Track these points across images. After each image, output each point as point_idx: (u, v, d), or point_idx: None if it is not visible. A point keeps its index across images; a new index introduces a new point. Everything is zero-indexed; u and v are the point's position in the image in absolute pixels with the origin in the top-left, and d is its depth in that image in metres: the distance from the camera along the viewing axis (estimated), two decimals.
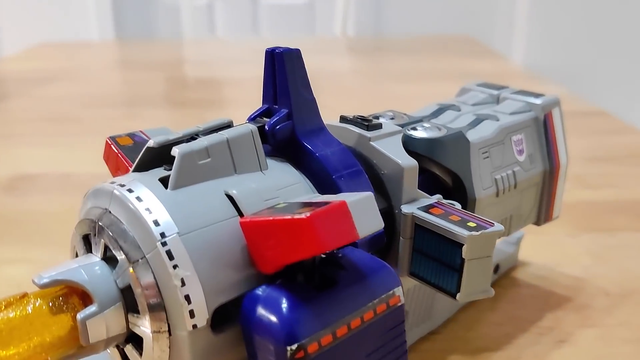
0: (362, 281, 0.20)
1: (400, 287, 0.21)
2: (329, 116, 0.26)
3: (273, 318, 0.18)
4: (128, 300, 0.19)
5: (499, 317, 0.32)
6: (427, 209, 0.24)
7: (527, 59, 1.22)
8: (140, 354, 0.20)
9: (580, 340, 0.30)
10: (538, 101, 0.32)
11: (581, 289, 0.35)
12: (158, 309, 0.19)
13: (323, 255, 0.20)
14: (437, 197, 0.26)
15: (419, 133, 0.27)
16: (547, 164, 0.32)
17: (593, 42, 0.95)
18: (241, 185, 0.21)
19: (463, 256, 0.22)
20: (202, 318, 0.19)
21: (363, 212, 0.18)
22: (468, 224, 0.23)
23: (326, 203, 0.18)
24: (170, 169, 0.21)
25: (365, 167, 0.24)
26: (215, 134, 0.21)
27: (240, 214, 0.20)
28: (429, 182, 0.27)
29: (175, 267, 0.18)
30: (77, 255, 0.21)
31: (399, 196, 0.25)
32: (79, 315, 0.19)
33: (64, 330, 0.19)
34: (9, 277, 0.37)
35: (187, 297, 0.18)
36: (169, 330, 0.19)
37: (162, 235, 0.18)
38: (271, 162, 0.23)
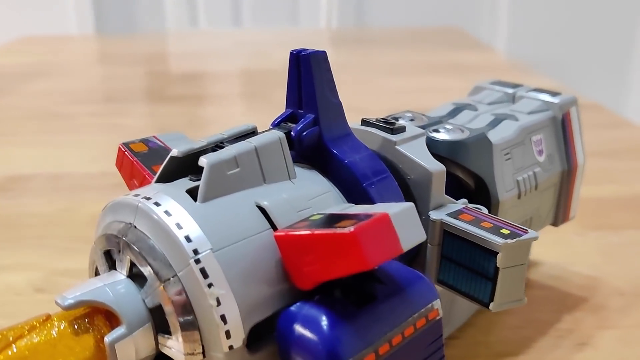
0: (401, 295, 0.19)
1: (438, 299, 0.20)
2: None
3: (314, 337, 0.17)
4: (157, 320, 0.18)
5: (517, 320, 0.31)
6: (456, 215, 0.23)
7: (518, 50, 1.22)
8: None
9: (601, 343, 0.30)
10: (556, 100, 0.31)
11: (595, 289, 0.34)
12: (191, 329, 0.18)
13: None
14: (463, 202, 0.25)
15: (442, 135, 0.27)
16: (565, 164, 0.31)
17: (582, 34, 0.95)
18: (272, 195, 0.20)
19: (497, 265, 0.22)
20: (239, 338, 0.18)
21: (405, 223, 0.18)
22: (501, 231, 0.22)
23: (367, 215, 0.17)
24: (196, 179, 0.20)
25: (391, 172, 0.23)
26: (241, 142, 0.20)
27: (274, 227, 0.19)
28: (451, 185, 0.26)
29: (210, 285, 0.17)
30: (97, 271, 0.20)
31: (426, 202, 0.24)
32: (107, 339, 0.18)
33: (89, 352, 0.18)
34: (4, 282, 0.35)
35: (222, 317, 0.17)
36: (203, 353, 0.18)
37: (195, 252, 0.17)
38: (298, 170, 0.22)
